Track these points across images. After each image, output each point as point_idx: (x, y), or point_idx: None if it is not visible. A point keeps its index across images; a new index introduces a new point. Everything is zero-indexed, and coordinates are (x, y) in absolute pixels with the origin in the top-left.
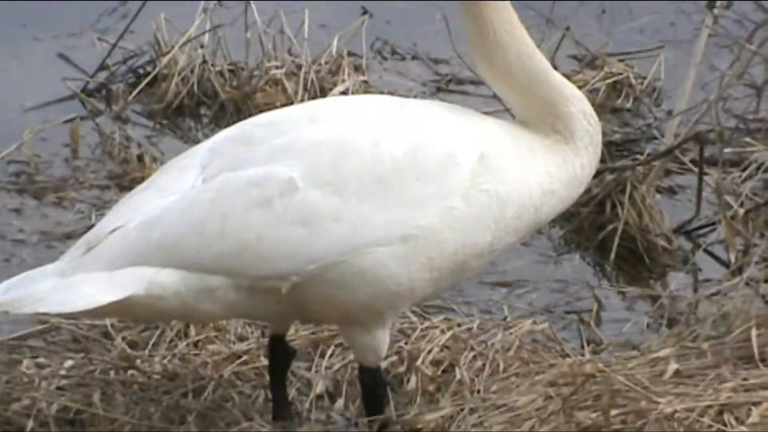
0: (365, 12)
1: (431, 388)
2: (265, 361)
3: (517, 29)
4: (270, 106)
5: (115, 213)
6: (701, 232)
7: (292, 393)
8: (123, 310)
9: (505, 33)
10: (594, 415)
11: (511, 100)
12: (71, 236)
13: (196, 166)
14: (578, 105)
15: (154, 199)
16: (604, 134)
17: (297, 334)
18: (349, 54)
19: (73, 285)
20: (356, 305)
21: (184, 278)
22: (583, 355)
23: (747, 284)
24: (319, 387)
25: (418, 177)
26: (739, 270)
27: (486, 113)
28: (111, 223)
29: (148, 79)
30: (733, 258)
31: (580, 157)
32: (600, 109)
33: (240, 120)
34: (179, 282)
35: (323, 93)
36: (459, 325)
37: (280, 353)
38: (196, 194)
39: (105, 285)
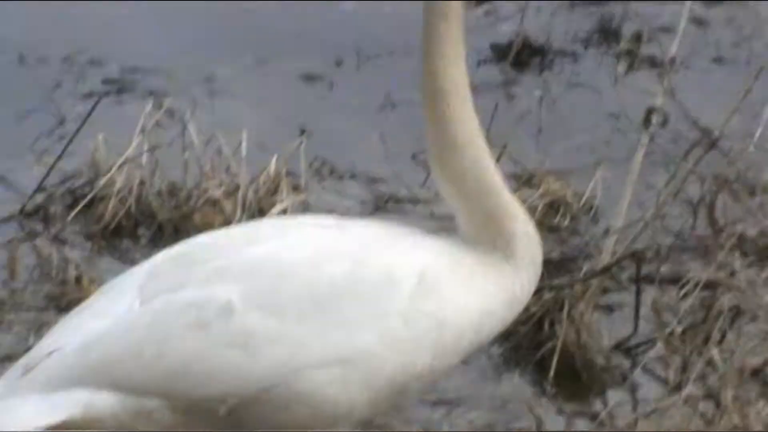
0: (303, 132)
1: None
2: None
3: (477, 137)
4: (208, 227)
5: (53, 336)
6: (639, 349)
7: None
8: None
9: (466, 137)
10: None
11: (458, 208)
12: (10, 358)
13: (135, 287)
14: (523, 225)
15: (92, 321)
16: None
17: None
18: (288, 174)
19: (10, 408)
20: (294, 426)
21: (122, 400)
22: None
23: (685, 402)
24: None
25: (356, 298)
26: (678, 388)
27: (424, 232)
28: (48, 346)
29: (86, 200)
30: (671, 376)
31: (520, 278)
32: (537, 227)
33: (178, 240)
34: (116, 404)
35: (262, 213)
36: None
37: None
38: (134, 317)
39: (42, 408)
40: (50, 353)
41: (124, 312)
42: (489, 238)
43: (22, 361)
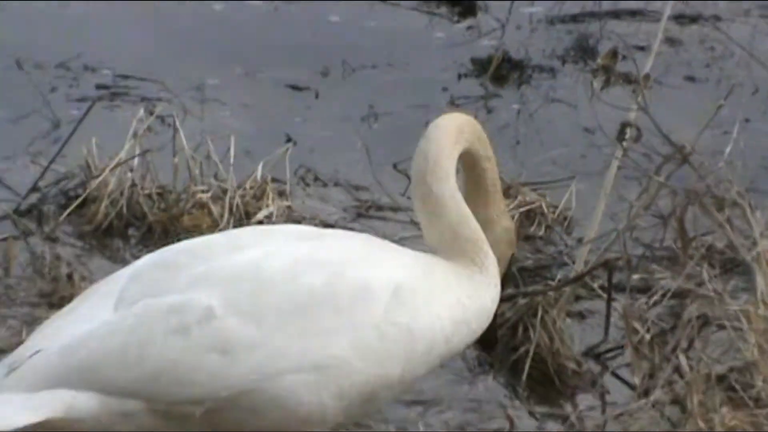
0: (289, 140)
1: None
2: None
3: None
4: (196, 229)
5: (38, 337)
6: (609, 355)
7: None
8: (42, 430)
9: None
10: None
11: (435, 237)
12: (2, 352)
13: (117, 291)
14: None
15: (76, 324)
16: (517, 260)
17: None
18: (273, 180)
19: None
20: (269, 430)
21: (102, 402)
22: None
23: (652, 407)
24: None
25: (333, 308)
26: (646, 393)
27: (404, 238)
28: (33, 347)
29: (79, 201)
30: (639, 381)
31: (491, 291)
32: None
33: (167, 241)
34: (97, 405)
35: (248, 217)
36: None
37: None
38: (117, 320)
39: (24, 406)
40: (34, 354)
41: (106, 315)
42: (467, 256)
43: (7, 361)
